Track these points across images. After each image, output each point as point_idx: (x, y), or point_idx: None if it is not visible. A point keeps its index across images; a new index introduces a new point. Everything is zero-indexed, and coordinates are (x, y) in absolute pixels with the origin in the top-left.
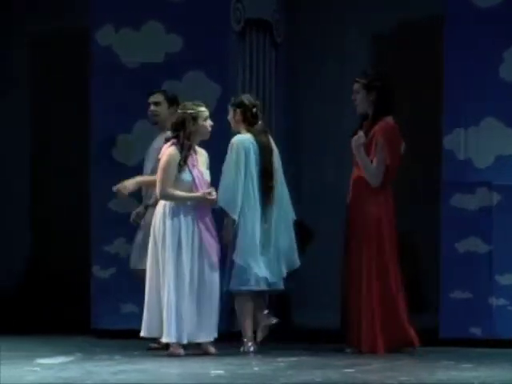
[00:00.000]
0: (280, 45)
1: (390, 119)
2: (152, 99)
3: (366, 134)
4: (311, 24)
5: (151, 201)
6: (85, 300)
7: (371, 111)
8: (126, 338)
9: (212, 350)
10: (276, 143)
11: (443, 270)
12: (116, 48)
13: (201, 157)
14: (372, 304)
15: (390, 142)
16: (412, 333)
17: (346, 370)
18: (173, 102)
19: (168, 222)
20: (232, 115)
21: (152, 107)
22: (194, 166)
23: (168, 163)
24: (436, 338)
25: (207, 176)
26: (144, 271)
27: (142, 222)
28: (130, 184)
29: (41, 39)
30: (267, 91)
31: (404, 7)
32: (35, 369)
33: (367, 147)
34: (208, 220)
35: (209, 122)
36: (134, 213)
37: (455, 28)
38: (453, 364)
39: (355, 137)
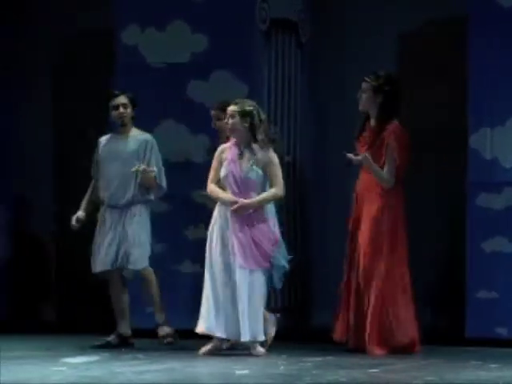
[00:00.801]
0: (305, 45)
1: (397, 124)
2: (119, 101)
3: (373, 136)
4: (336, 24)
5: (121, 202)
6: (109, 300)
7: (375, 113)
8: (150, 337)
9: (256, 350)
10: (301, 144)
11: (469, 269)
12: (141, 48)
13: (250, 154)
14: (375, 303)
15: (401, 144)
16: (408, 338)
17: (371, 370)
18: (135, 103)
19: (210, 227)
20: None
21: (121, 109)
22: (233, 161)
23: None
24: (462, 337)
25: (250, 174)
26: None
27: (109, 224)
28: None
29: (65, 39)
30: (292, 91)
31: (428, 7)
32: (60, 368)
33: (377, 150)
34: (245, 221)
35: (228, 121)
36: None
37: (479, 27)
38: (479, 364)
39: (363, 157)
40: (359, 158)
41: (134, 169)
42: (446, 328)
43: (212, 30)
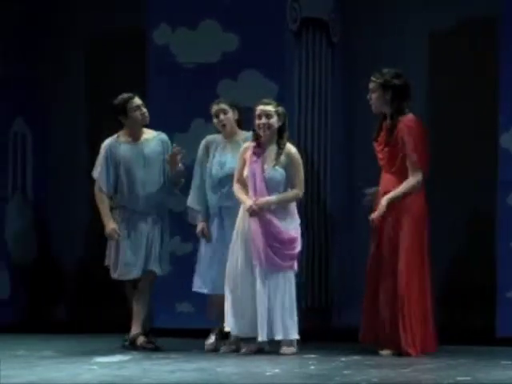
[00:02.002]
0: (336, 44)
1: (411, 117)
2: (139, 101)
3: (387, 134)
4: (367, 23)
5: (152, 208)
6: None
7: (388, 110)
8: (181, 336)
9: (271, 348)
10: (332, 143)
11: (499, 269)
12: (172, 47)
13: (273, 153)
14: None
15: (415, 139)
16: (410, 342)
17: (402, 370)
18: None
19: (236, 226)
20: (231, 115)
21: (143, 109)
22: (255, 162)
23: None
24: (493, 337)
25: (272, 174)
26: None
27: (139, 231)
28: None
29: (97, 40)
30: (323, 90)
31: (460, 7)
32: (93, 367)
33: (393, 148)
34: (262, 220)
35: (260, 121)
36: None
37: (509, 27)
38: (509, 364)
39: (382, 207)
40: (380, 212)
41: (167, 157)
42: (477, 328)
43: (243, 29)
